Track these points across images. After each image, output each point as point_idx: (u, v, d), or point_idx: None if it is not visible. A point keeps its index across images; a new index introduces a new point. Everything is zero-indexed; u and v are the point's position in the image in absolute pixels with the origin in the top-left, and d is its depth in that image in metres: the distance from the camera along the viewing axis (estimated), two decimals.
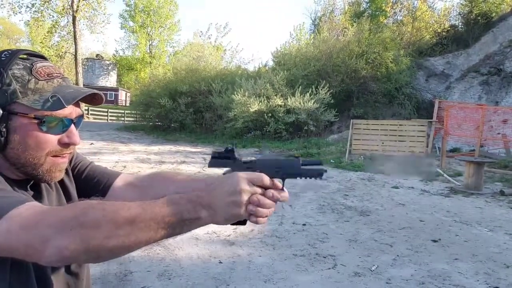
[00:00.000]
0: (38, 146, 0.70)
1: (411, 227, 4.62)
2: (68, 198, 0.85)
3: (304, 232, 4.34)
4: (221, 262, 3.35)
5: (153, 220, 0.58)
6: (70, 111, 0.72)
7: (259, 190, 0.66)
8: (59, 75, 0.74)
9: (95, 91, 0.74)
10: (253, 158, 0.72)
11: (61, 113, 0.70)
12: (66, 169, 0.87)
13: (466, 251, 3.85)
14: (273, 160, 0.72)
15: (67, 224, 0.55)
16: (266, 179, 0.67)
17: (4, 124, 0.68)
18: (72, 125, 0.73)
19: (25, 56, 0.74)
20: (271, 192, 0.67)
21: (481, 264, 3.52)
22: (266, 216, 0.67)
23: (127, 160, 9.12)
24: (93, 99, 0.77)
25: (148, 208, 0.59)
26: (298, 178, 0.71)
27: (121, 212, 0.57)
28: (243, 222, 0.68)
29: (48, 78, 0.71)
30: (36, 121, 0.68)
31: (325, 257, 3.58)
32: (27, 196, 0.68)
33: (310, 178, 0.71)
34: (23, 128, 0.69)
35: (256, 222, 0.67)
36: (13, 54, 0.71)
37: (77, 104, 0.74)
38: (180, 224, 0.61)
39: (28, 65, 0.71)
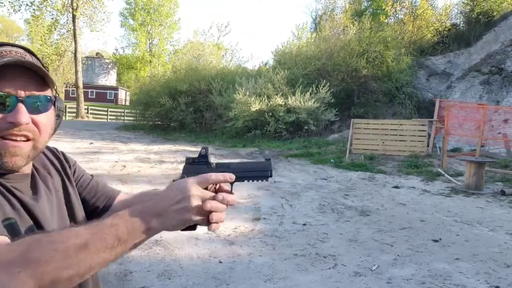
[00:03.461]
0: None
1: (412, 227, 4.61)
2: (70, 206, 0.84)
3: (304, 232, 4.33)
4: (221, 262, 3.34)
5: (104, 241, 0.58)
6: (13, 88, 0.68)
7: (209, 194, 0.67)
8: (13, 55, 0.70)
9: (26, 60, 0.69)
10: (227, 162, 0.74)
11: (1, 89, 0.67)
12: (68, 175, 0.86)
13: (467, 251, 3.84)
14: (245, 163, 0.74)
15: (15, 265, 0.53)
16: (213, 177, 0.67)
17: None
18: (20, 104, 0.67)
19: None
20: (221, 195, 0.68)
21: (482, 264, 3.51)
22: (220, 221, 0.68)
23: (126, 159, 9.11)
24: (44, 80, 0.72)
25: (97, 231, 0.58)
26: (246, 181, 0.73)
27: (70, 241, 0.56)
28: (193, 227, 0.69)
29: (0, 57, 0.68)
30: None
31: (325, 257, 3.57)
32: None
33: (258, 180, 0.73)
34: None
35: (210, 228, 0.67)
36: None
37: (31, 83, 0.70)
38: (132, 239, 0.61)
39: None
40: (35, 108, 0.70)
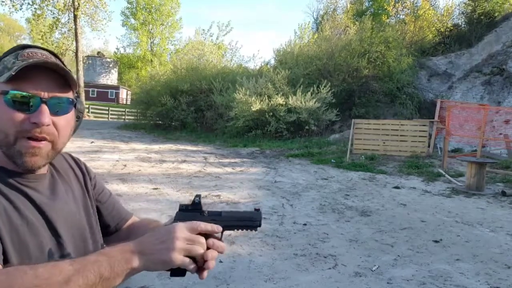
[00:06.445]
0: (5, 123, 0.68)
1: (412, 228, 4.61)
2: (88, 215, 0.85)
3: (305, 232, 4.33)
4: (222, 262, 3.34)
5: (86, 278, 0.59)
6: (36, 89, 0.69)
7: (197, 237, 0.68)
8: (39, 57, 0.71)
9: (51, 61, 0.70)
10: (219, 210, 0.77)
11: (25, 89, 0.68)
12: (87, 187, 0.87)
13: (467, 252, 3.84)
14: (236, 212, 0.77)
15: None
16: (202, 226, 0.69)
17: None
18: (43, 105, 0.69)
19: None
20: (212, 240, 0.70)
21: (482, 265, 3.51)
22: (208, 268, 0.70)
23: (127, 158, 9.12)
24: (69, 81, 0.74)
25: (80, 268, 0.59)
26: (235, 230, 0.77)
27: (54, 278, 0.57)
28: (182, 273, 0.71)
29: (26, 58, 0.70)
30: (2, 96, 0.68)
31: (325, 257, 3.57)
32: None
33: (247, 230, 0.77)
34: None
35: (201, 277, 0.69)
36: (16, 47, 0.74)
37: (54, 85, 0.71)
38: (113, 276, 0.61)
39: (20, 51, 0.72)
40: (56, 110, 0.71)
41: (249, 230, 0.77)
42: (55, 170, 0.82)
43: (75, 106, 0.77)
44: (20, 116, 0.68)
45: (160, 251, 0.64)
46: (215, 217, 0.75)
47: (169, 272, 0.72)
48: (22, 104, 0.68)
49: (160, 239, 0.65)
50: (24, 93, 0.68)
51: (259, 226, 0.77)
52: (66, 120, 0.74)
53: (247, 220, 0.77)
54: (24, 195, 0.71)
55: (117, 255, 0.63)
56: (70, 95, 0.74)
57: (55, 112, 0.71)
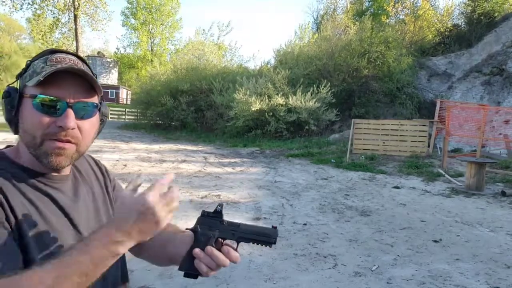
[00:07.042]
0: (33, 125, 0.70)
1: (412, 227, 4.62)
2: (108, 214, 0.86)
3: (305, 231, 4.34)
4: None
5: (69, 280, 0.58)
6: (63, 94, 0.71)
7: (168, 193, 0.67)
8: (68, 62, 0.74)
9: (78, 67, 0.72)
10: (238, 222, 0.79)
11: (53, 93, 0.70)
12: (108, 188, 0.89)
13: (467, 252, 3.84)
14: (254, 227, 0.80)
15: None
16: (163, 181, 0.68)
17: (17, 107, 0.72)
18: (69, 109, 0.71)
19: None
20: (226, 248, 0.72)
21: (482, 265, 3.52)
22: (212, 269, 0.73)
23: (127, 158, 9.13)
24: (94, 87, 0.76)
25: (60, 274, 0.58)
26: (251, 243, 0.79)
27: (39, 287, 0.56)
28: (195, 276, 0.74)
29: (54, 63, 0.73)
30: (31, 99, 0.71)
31: (325, 257, 3.58)
32: None
33: (261, 245, 0.78)
34: (24, 107, 0.72)
35: (206, 274, 0.72)
36: (45, 51, 0.76)
37: (81, 90, 0.73)
38: (99, 268, 0.61)
39: (49, 56, 0.74)
40: (82, 114, 0.73)
41: (263, 246, 0.78)
42: (77, 171, 0.84)
43: (99, 110, 0.80)
44: (47, 119, 0.70)
45: (147, 230, 0.64)
46: (233, 227, 0.78)
47: (170, 273, 0.73)
48: (50, 108, 0.70)
49: (134, 217, 0.63)
50: (52, 97, 0.70)
51: (274, 243, 0.78)
52: (91, 124, 0.76)
53: (263, 236, 0.78)
54: (48, 196, 0.73)
55: (98, 250, 0.61)
56: (95, 99, 0.77)
57: (80, 116, 0.73)
